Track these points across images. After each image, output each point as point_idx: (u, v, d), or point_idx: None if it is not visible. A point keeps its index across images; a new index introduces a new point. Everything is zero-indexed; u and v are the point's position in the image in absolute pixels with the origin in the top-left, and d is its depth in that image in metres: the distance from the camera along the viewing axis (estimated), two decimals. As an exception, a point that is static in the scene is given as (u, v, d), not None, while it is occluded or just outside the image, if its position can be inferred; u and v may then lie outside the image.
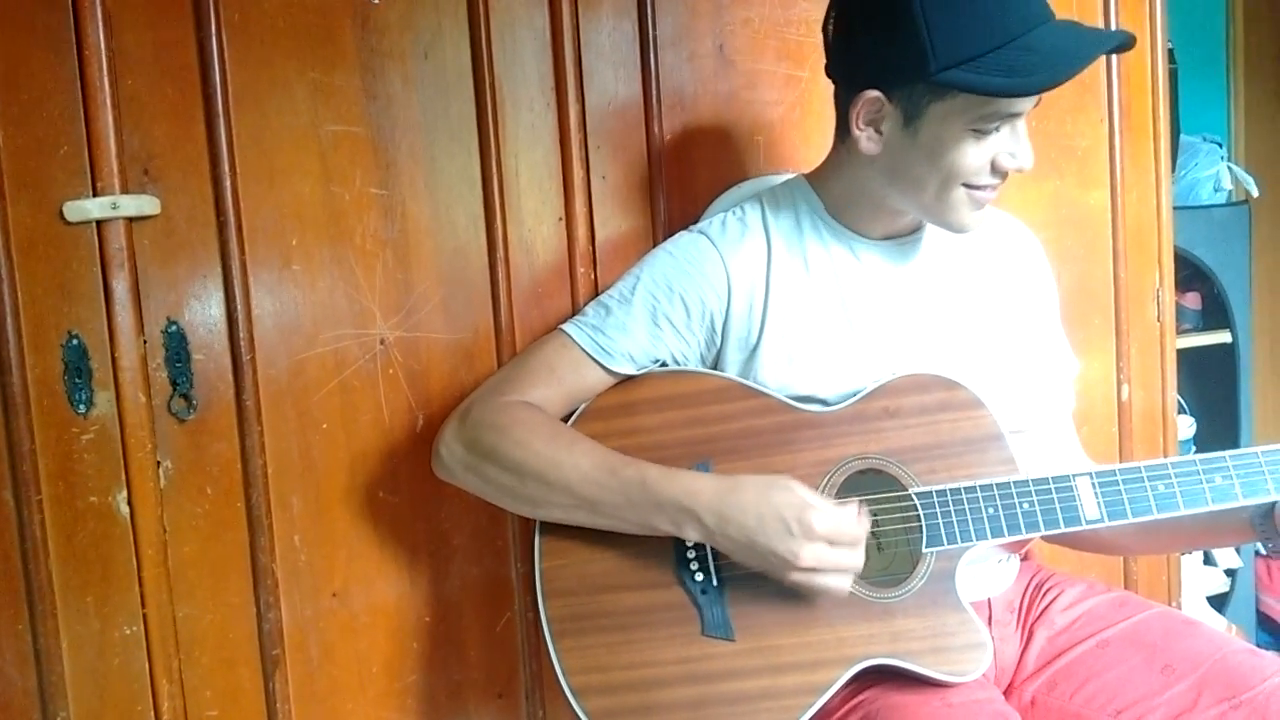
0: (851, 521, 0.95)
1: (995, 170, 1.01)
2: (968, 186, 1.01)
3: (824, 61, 1.10)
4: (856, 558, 0.95)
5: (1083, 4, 1.51)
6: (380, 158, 1.18)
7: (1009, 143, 1.00)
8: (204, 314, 1.13)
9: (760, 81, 1.33)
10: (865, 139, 1.03)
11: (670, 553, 1.03)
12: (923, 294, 1.12)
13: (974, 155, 0.99)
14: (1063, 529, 1.01)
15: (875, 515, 1.02)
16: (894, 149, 1.02)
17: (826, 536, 0.93)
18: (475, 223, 1.22)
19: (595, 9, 1.25)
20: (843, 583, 0.95)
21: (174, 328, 1.11)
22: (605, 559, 1.04)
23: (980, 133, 0.98)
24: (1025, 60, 0.93)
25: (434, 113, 1.19)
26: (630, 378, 1.09)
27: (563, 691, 1.00)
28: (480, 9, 1.19)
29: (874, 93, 1.00)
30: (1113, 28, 1.53)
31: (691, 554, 1.02)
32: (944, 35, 0.94)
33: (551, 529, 1.05)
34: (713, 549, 1.02)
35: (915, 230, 1.13)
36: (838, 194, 1.11)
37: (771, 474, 0.98)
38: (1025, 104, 0.99)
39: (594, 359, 1.08)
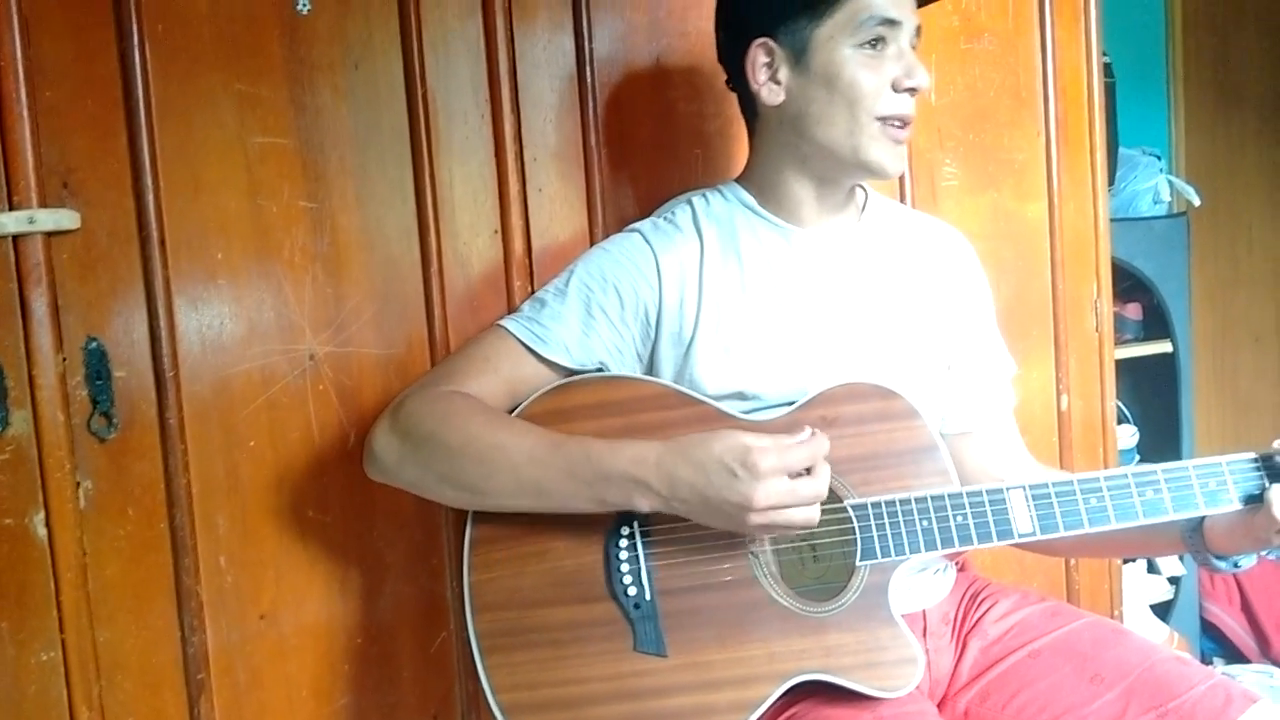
0: (801, 449, 0.92)
1: (896, 90, 1.04)
2: (880, 121, 1.04)
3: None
4: (818, 484, 0.91)
5: (1019, 18, 1.54)
6: (309, 170, 1.16)
7: (900, 63, 1.05)
8: (126, 330, 1.10)
9: (698, 95, 1.33)
10: (766, 91, 1.08)
11: (602, 566, 1.01)
12: (857, 287, 1.12)
13: (868, 77, 1.04)
14: (996, 542, 1.01)
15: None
16: (794, 91, 1.07)
17: (777, 471, 0.90)
18: (408, 236, 1.20)
19: (530, 21, 1.24)
20: (810, 514, 0.92)
21: (94, 344, 1.08)
22: (536, 573, 1.02)
23: (867, 52, 1.03)
24: None
25: (365, 124, 1.18)
26: (566, 384, 1.08)
27: (491, 710, 0.99)
28: (412, 20, 1.18)
29: (762, 39, 1.06)
30: (1049, 42, 1.55)
31: (625, 567, 1.01)
32: None
33: (483, 541, 1.03)
34: (646, 561, 1.01)
35: (846, 213, 1.14)
36: (764, 181, 1.13)
37: (714, 428, 0.96)
38: (895, 9, 1.04)
39: (529, 348, 1.07)
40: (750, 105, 1.13)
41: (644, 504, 0.95)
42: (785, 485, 0.90)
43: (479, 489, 1.00)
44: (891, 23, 1.03)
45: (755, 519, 0.91)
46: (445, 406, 1.02)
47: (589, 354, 1.09)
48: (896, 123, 1.05)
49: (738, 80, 1.12)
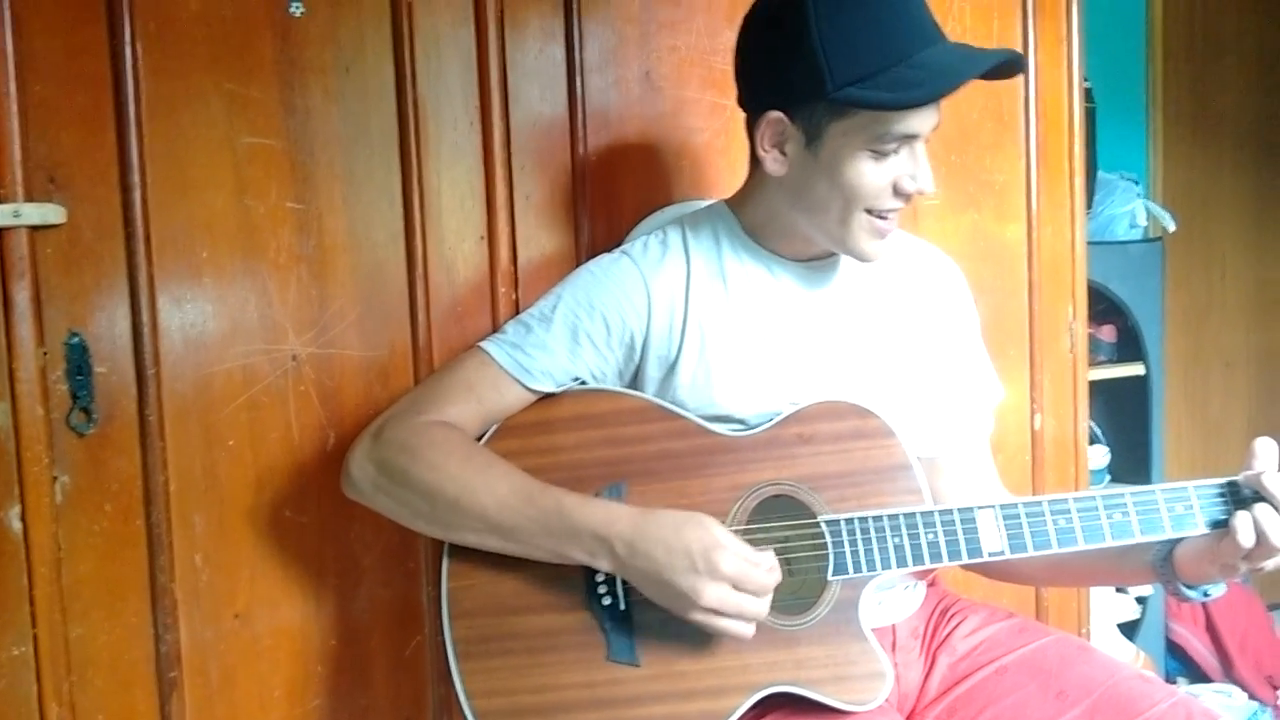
0: (761, 570, 0.94)
1: (897, 193, 1.03)
2: (870, 213, 1.03)
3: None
4: (760, 606, 0.94)
5: (1003, 41, 1.56)
6: (297, 171, 1.16)
7: (908, 165, 1.02)
8: (108, 326, 1.10)
9: (686, 108, 1.34)
10: (771, 160, 1.05)
11: (579, 576, 1.02)
12: (839, 316, 1.13)
13: (873, 176, 1.01)
14: (965, 560, 1.02)
15: (786, 541, 1.02)
16: (798, 170, 1.05)
17: (732, 578, 0.93)
18: (395, 239, 1.21)
19: (522, 30, 1.25)
20: (744, 629, 0.95)
21: (76, 339, 1.08)
22: (513, 580, 1.03)
23: (878, 153, 1.01)
24: (914, 76, 0.97)
25: (355, 127, 1.18)
26: (549, 395, 1.09)
27: (464, 715, 0.99)
28: (404, 25, 1.19)
29: (776, 114, 1.03)
30: (1031, 66, 1.58)
31: (601, 578, 1.02)
32: (840, 56, 0.98)
33: (460, 548, 1.04)
34: (623, 575, 1.02)
35: (831, 254, 1.14)
36: (754, 217, 1.13)
37: (690, 509, 0.97)
38: (921, 124, 1.01)
39: (514, 377, 1.07)
40: (753, 148, 1.09)
41: (604, 564, 0.97)
42: (733, 595, 0.93)
43: (449, 527, 1.02)
44: (910, 137, 1.01)
45: (696, 614, 0.94)
46: (423, 440, 1.02)
47: (571, 378, 1.09)
48: (888, 215, 1.04)
49: (750, 132, 1.09)
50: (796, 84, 1.01)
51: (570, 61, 1.27)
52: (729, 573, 0.92)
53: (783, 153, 1.05)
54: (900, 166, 1.02)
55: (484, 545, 1.01)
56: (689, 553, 0.93)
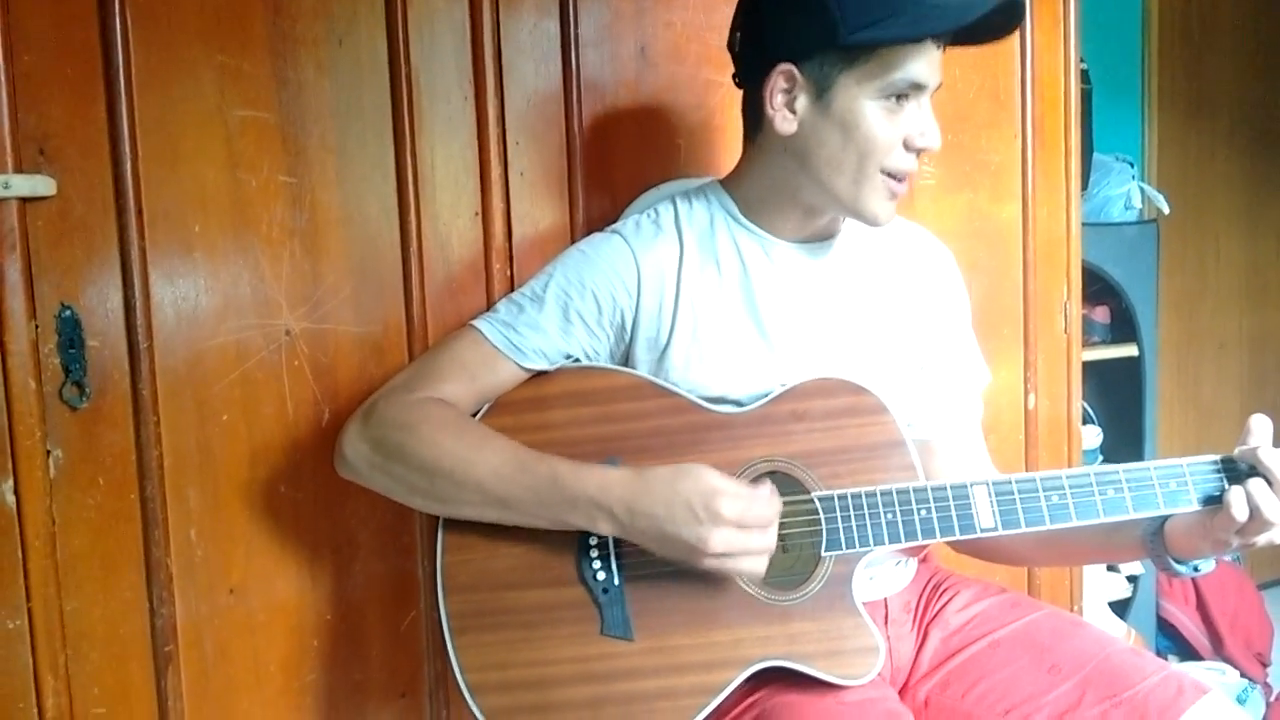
0: (761, 503, 0.95)
1: (908, 149, 1.03)
2: (885, 173, 1.04)
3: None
4: (768, 539, 0.95)
5: (1000, 22, 1.55)
6: (290, 145, 1.15)
7: (917, 121, 1.03)
8: (100, 299, 1.09)
9: (681, 85, 1.34)
10: (780, 119, 1.05)
11: (573, 551, 1.02)
12: (833, 297, 1.13)
13: (885, 130, 1.02)
14: (958, 536, 1.02)
15: (780, 517, 1.02)
16: (808, 127, 1.04)
17: (735, 520, 0.93)
18: (388, 215, 1.20)
19: (516, 4, 1.24)
20: (756, 566, 0.95)
21: (68, 313, 1.08)
22: (508, 555, 1.03)
23: (889, 106, 1.02)
24: (927, 11, 0.99)
25: (348, 101, 1.17)
26: (542, 372, 1.09)
27: (459, 689, 0.99)
28: (398, -2, 1.18)
29: (787, 66, 1.03)
30: (1029, 47, 1.57)
31: (594, 553, 1.02)
32: (852, 2, 0.98)
33: (455, 523, 1.04)
34: (616, 548, 1.02)
35: (828, 236, 1.14)
36: (751, 194, 1.12)
37: (682, 464, 0.97)
38: (928, 74, 1.02)
39: (506, 356, 1.07)
40: (755, 116, 1.10)
41: (604, 529, 0.97)
42: (740, 536, 0.93)
43: (446, 500, 1.02)
44: (919, 86, 1.03)
45: (708, 561, 0.94)
46: (416, 416, 1.02)
47: (564, 355, 1.09)
48: (900, 177, 1.05)
49: (748, 85, 1.10)
50: (809, 34, 1.01)
51: (565, 36, 1.27)
52: (731, 516, 0.93)
53: (792, 110, 1.04)
54: (909, 122, 1.03)
55: (483, 517, 1.01)
56: (689, 504, 0.93)
